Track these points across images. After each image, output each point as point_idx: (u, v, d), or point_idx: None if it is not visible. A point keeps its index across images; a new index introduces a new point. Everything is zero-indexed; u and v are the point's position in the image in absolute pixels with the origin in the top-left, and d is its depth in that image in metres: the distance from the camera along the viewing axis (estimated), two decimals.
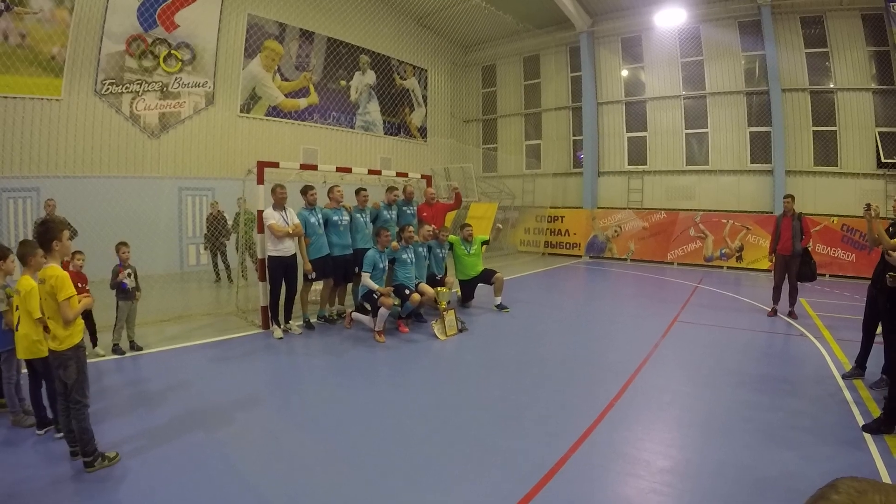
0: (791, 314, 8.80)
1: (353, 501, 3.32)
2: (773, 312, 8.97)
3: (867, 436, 4.23)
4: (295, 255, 7.54)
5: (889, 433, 4.19)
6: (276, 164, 7.99)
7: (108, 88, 11.86)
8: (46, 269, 3.54)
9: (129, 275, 6.31)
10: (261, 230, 7.52)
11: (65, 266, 5.88)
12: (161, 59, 12.70)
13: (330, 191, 8.17)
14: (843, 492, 0.87)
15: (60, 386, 3.66)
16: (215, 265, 11.83)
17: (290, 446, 4.04)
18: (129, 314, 6.40)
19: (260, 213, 7.50)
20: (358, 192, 8.48)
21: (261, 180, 7.64)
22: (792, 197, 8.93)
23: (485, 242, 9.62)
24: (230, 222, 11.76)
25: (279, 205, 7.38)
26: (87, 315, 6.00)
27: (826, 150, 14.83)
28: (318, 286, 8.12)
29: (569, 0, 17.05)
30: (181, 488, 3.40)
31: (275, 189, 7.40)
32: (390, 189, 8.89)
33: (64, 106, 11.22)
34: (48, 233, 3.60)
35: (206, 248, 12.07)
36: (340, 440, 4.15)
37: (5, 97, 10.39)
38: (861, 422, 4.50)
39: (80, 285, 5.81)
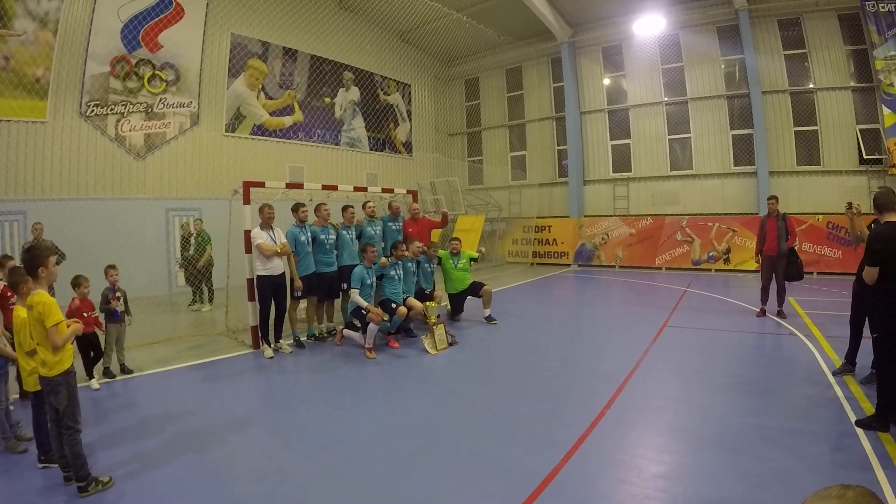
0: (780, 314, 8.87)
1: None
2: (762, 313, 9.04)
3: (860, 431, 4.26)
4: (283, 273, 7.52)
5: (882, 430, 4.20)
6: (261, 184, 7.97)
7: (92, 110, 11.84)
8: (34, 295, 3.51)
9: (118, 298, 6.27)
10: (248, 250, 7.50)
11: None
12: (145, 80, 12.71)
13: (317, 209, 8.19)
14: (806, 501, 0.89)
15: (52, 412, 3.62)
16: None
17: (284, 465, 4.01)
18: (119, 337, 6.35)
19: (247, 232, 7.49)
20: (344, 209, 8.50)
21: (247, 200, 7.63)
22: (776, 198, 9.02)
23: (472, 259, 9.62)
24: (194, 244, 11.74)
25: (266, 224, 7.38)
26: (93, 346, 5.98)
27: (808, 149, 15.09)
28: (303, 304, 8.10)
29: (549, 11, 17.26)
30: None
31: (262, 208, 7.42)
32: (365, 204, 8.94)
33: (49, 128, 11.18)
34: (34, 260, 3.58)
35: (180, 267, 12.01)
36: (334, 457, 4.13)
37: None
38: (853, 417, 4.53)
39: (86, 314, 5.78)
